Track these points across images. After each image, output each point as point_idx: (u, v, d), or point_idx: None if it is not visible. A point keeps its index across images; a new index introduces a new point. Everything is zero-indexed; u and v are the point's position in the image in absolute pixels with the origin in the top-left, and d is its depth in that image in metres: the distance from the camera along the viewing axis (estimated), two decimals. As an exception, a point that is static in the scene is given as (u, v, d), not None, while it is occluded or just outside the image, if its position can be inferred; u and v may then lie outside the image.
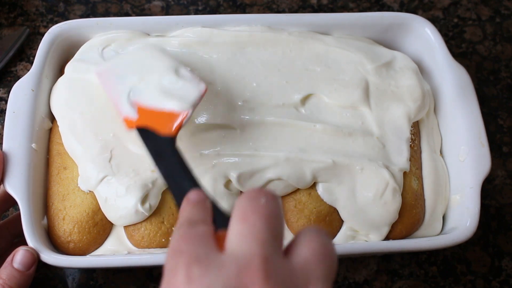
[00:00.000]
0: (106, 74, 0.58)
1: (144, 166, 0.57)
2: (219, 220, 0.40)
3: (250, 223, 0.35)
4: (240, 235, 0.35)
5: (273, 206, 0.36)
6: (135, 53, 0.60)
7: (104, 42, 0.64)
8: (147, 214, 0.56)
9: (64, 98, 0.61)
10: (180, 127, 0.52)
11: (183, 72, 0.56)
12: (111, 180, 0.57)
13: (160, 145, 0.50)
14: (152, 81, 0.55)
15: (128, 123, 0.53)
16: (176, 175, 0.47)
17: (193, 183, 0.46)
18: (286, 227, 0.60)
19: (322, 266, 0.35)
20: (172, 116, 0.52)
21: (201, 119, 0.59)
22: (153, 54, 0.58)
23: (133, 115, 0.53)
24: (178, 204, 0.44)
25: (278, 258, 0.34)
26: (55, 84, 0.63)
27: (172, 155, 0.49)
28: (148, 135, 0.51)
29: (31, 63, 0.73)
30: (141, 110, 0.53)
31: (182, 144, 0.58)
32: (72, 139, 0.59)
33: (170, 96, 0.53)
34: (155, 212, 0.57)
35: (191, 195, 0.41)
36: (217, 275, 0.33)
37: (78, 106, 0.60)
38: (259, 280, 0.32)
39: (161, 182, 0.57)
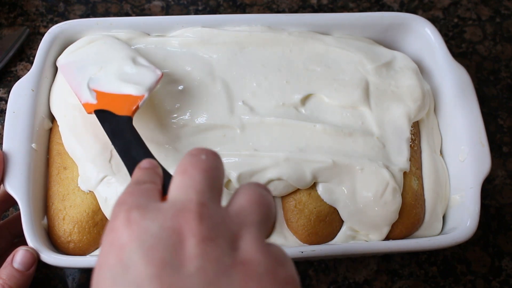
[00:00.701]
0: (67, 66, 0.61)
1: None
2: (169, 185, 0.41)
3: (189, 175, 0.37)
4: (179, 186, 0.37)
5: (212, 161, 0.39)
6: (95, 46, 0.62)
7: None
8: (147, 214, 0.56)
9: (64, 97, 0.61)
10: (137, 109, 0.54)
11: (140, 61, 0.59)
12: (111, 180, 0.57)
13: (118, 123, 0.53)
14: (110, 69, 0.58)
15: (87, 107, 0.55)
16: (131, 149, 0.49)
17: (147, 155, 0.48)
18: (286, 226, 0.60)
19: (257, 213, 0.36)
20: (129, 99, 0.55)
21: (201, 119, 0.59)
22: (112, 46, 0.61)
23: (92, 100, 0.55)
24: (131, 174, 0.45)
25: (213, 205, 0.36)
26: (54, 83, 0.63)
27: (129, 132, 0.52)
28: (106, 116, 0.54)
29: (31, 63, 0.73)
30: (100, 96, 0.56)
31: (182, 144, 0.58)
32: (72, 139, 0.59)
33: (127, 82, 0.56)
34: (155, 212, 0.57)
35: (143, 163, 0.43)
36: (155, 217, 0.34)
37: (77, 105, 0.60)
38: (194, 221, 0.33)
39: (161, 182, 0.57)
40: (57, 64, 0.62)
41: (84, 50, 0.62)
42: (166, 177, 0.43)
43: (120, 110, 0.54)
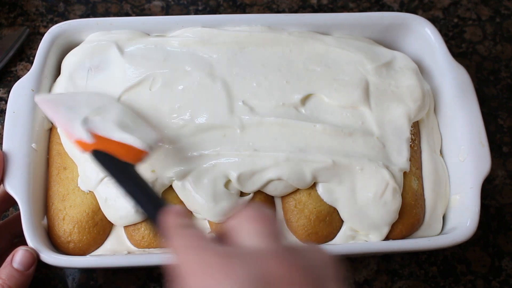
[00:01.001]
0: (51, 103, 0.57)
1: (144, 166, 0.57)
2: None
3: (262, 224, 0.38)
4: (255, 233, 0.38)
5: (273, 214, 0.41)
6: (85, 93, 0.60)
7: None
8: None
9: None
10: (141, 161, 0.52)
11: (139, 120, 0.57)
12: (111, 180, 0.57)
13: (122, 167, 0.50)
14: (109, 117, 0.54)
15: (83, 145, 0.52)
16: (143, 192, 0.48)
17: (160, 199, 0.48)
18: (286, 226, 0.60)
19: (334, 268, 0.39)
20: (133, 149, 0.52)
21: (201, 119, 0.59)
22: (107, 100, 0.59)
23: (88, 140, 0.52)
24: (149, 213, 0.45)
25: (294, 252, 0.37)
26: (54, 84, 0.63)
27: (137, 176, 0.50)
28: (106, 158, 0.51)
29: (31, 63, 0.73)
30: (99, 138, 0.53)
31: (182, 144, 0.58)
32: (72, 139, 0.59)
33: (130, 132, 0.53)
34: (155, 212, 0.57)
35: (176, 207, 0.43)
36: (249, 264, 0.34)
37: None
38: (286, 267, 0.34)
39: (161, 182, 0.57)
40: (36, 100, 0.58)
41: (72, 93, 0.60)
42: None
43: (124, 157, 0.51)
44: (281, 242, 0.37)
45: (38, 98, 0.58)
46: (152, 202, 0.46)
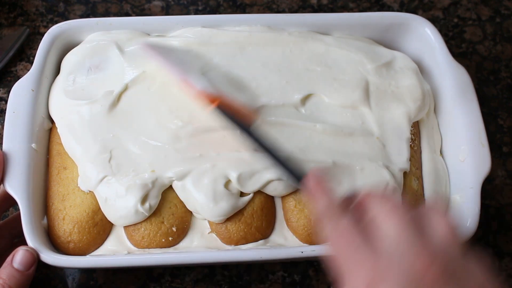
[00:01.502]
0: (161, 50, 0.60)
1: (144, 166, 0.57)
2: None
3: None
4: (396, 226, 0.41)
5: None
6: (181, 50, 0.62)
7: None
8: (147, 214, 0.56)
9: (61, 98, 0.61)
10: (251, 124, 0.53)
11: (242, 83, 0.60)
12: (111, 180, 0.57)
13: (244, 125, 0.52)
14: (217, 74, 0.57)
15: (208, 97, 0.53)
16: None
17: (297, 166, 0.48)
18: (286, 226, 0.60)
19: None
20: (245, 110, 0.53)
21: (201, 119, 0.59)
22: (205, 60, 0.62)
23: (213, 91, 0.53)
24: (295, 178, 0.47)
25: None
26: (53, 84, 0.63)
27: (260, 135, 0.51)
28: (229, 114, 0.52)
29: (31, 63, 0.73)
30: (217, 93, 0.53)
31: (182, 145, 0.58)
32: (71, 139, 0.59)
33: (239, 90, 0.55)
34: (155, 212, 0.57)
35: (314, 172, 0.45)
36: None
37: (75, 106, 0.60)
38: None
39: (161, 182, 0.57)
40: (142, 44, 0.61)
41: (169, 47, 0.63)
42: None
43: (244, 118, 0.53)
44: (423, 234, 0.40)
45: (146, 44, 0.60)
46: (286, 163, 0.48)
